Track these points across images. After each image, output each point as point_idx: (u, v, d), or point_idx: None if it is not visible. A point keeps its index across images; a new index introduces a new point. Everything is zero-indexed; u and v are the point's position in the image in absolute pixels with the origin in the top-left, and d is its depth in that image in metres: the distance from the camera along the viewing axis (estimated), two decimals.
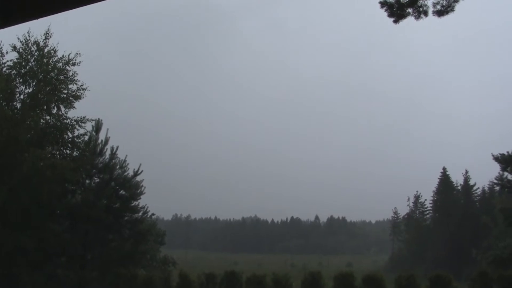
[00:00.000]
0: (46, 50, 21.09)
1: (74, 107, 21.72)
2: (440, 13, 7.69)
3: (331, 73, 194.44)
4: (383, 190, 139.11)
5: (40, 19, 2.79)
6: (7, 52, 20.78)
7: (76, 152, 22.15)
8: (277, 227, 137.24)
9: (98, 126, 23.82)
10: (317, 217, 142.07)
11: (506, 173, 34.60)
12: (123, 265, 21.64)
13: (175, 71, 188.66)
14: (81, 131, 21.88)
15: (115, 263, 21.76)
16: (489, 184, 56.87)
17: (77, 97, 21.61)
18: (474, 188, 60.73)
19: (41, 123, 21.01)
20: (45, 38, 21.07)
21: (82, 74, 21.85)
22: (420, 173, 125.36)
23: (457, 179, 62.77)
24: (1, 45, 20.81)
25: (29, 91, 20.90)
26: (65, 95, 21.42)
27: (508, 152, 32.45)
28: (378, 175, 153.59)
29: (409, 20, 7.86)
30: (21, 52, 20.81)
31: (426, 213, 70.14)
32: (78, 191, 23.32)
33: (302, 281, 19.84)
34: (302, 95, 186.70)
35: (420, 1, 7.71)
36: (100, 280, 21.03)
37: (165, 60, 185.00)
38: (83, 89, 21.69)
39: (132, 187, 23.75)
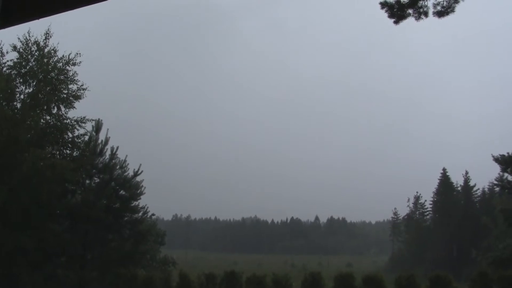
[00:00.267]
0: (46, 50, 21.11)
1: (74, 107, 21.77)
2: (440, 14, 7.70)
3: (331, 73, 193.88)
4: (383, 190, 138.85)
5: (40, 19, 2.79)
6: (7, 52, 20.83)
7: (76, 152, 22.16)
8: (277, 227, 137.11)
9: (98, 126, 23.84)
10: (317, 218, 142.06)
11: (506, 174, 34.57)
12: (123, 265, 21.64)
13: (175, 71, 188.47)
14: (81, 131, 21.95)
15: (115, 263, 21.76)
16: (489, 185, 56.83)
17: (77, 97, 21.63)
18: (474, 189, 60.71)
19: (41, 123, 21.02)
20: (45, 38, 21.12)
21: (82, 74, 21.88)
22: (420, 173, 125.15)
23: (457, 179, 62.75)
24: (2, 45, 20.85)
25: (29, 91, 20.92)
26: (65, 95, 21.44)
27: (508, 153, 32.45)
28: (378, 175, 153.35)
29: (409, 21, 7.88)
30: (21, 52, 20.82)
31: (426, 213, 70.09)
32: (78, 191, 23.34)
33: (302, 281, 19.84)
34: (302, 95, 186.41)
35: (421, 2, 7.72)
36: (100, 280, 21.03)
37: (165, 60, 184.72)
38: (83, 89, 21.74)
39: (132, 187, 23.77)
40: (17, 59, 20.81)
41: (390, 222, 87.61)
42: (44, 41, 21.09)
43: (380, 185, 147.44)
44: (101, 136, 23.95)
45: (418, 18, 7.78)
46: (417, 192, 71.57)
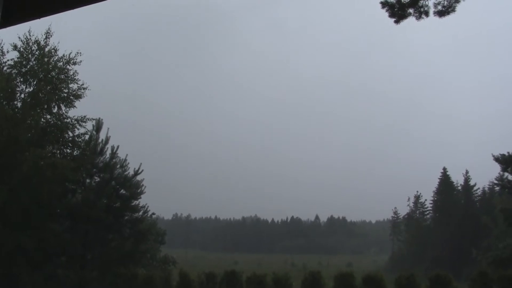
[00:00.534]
0: (46, 49, 21.11)
1: (75, 106, 21.78)
2: (441, 13, 7.68)
3: (331, 73, 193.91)
4: (383, 190, 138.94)
5: (41, 19, 2.79)
6: (7, 51, 20.83)
7: (77, 152, 22.16)
8: (277, 226, 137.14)
9: (98, 126, 23.82)
10: (317, 217, 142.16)
11: (506, 174, 34.59)
12: (123, 264, 21.64)
13: (175, 71, 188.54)
14: (82, 130, 21.97)
15: (115, 262, 21.76)
16: (489, 185, 56.87)
17: (78, 97, 21.63)
18: (475, 188, 60.70)
19: (42, 122, 21.02)
20: (46, 37, 21.12)
21: (82, 73, 21.88)
22: (420, 173, 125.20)
23: (457, 179, 62.75)
24: (2, 44, 20.85)
25: (30, 90, 20.92)
26: (65, 94, 21.44)
27: (508, 152, 32.43)
28: (378, 175, 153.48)
29: (410, 20, 7.86)
30: (22, 51, 20.82)
31: (426, 213, 70.08)
32: (78, 190, 23.32)
33: (302, 280, 19.83)
34: (302, 95, 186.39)
35: (421, 1, 7.70)
36: (100, 280, 21.02)
37: (165, 60, 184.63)
38: (84, 89, 21.74)
39: (133, 187, 23.75)
40: (17, 58, 20.81)
41: (390, 222, 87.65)
42: (45, 40, 21.11)
43: (380, 184, 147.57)
44: (102, 135, 23.96)
45: (418, 17, 7.76)
46: (417, 192, 71.66)
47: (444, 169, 62.36)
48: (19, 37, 20.72)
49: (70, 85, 21.50)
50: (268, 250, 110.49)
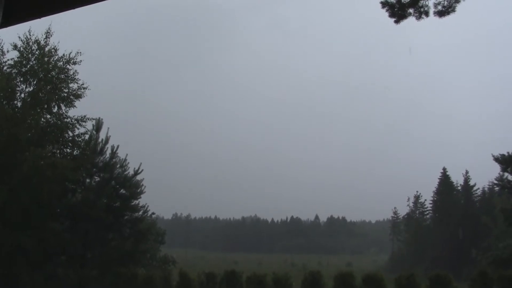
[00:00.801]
0: (47, 49, 21.12)
1: (75, 106, 21.79)
2: (441, 13, 7.69)
3: (332, 73, 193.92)
4: (383, 190, 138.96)
5: (41, 19, 2.79)
6: (8, 51, 20.84)
7: (77, 151, 22.16)
8: (277, 226, 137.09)
9: (98, 125, 23.83)
10: (317, 217, 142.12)
11: (506, 174, 34.56)
12: (123, 264, 21.65)
13: (175, 71, 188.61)
14: (82, 130, 21.99)
15: (115, 262, 21.76)
16: (489, 185, 56.88)
17: (78, 96, 21.64)
18: (474, 188, 60.66)
19: (42, 122, 21.03)
20: (46, 37, 21.13)
21: (82, 73, 21.87)
22: (420, 173, 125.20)
23: (457, 179, 62.70)
24: (2, 44, 20.85)
25: (30, 90, 20.93)
26: (65, 94, 21.44)
27: (508, 152, 32.39)
28: (378, 175, 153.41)
29: (410, 20, 7.87)
30: (22, 51, 20.83)
31: (426, 213, 70.06)
32: (78, 190, 23.33)
33: (302, 280, 19.84)
34: (303, 95, 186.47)
35: (422, 1, 7.71)
36: (100, 280, 21.02)
37: (165, 60, 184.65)
38: (84, 88, 21.75)
39: (132, 186, 23.76)
40: (17, 58, 20.82)
41: (390, 222, 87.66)
42: (45, 40, 21.12)
43: (380, 184, 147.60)
44: (102, 135, 23.99)
45: (419, 17, 7.77)
46: (417, 192, 71.63)
47: (444, 169, 62.39)
48: (19, 37, 20.78)
49: (70, 85, 21.54)
50: (268, 250, 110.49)
